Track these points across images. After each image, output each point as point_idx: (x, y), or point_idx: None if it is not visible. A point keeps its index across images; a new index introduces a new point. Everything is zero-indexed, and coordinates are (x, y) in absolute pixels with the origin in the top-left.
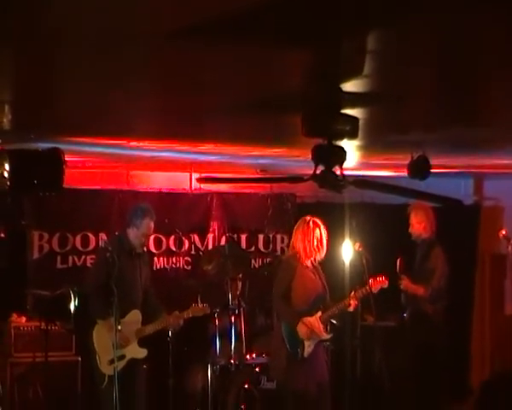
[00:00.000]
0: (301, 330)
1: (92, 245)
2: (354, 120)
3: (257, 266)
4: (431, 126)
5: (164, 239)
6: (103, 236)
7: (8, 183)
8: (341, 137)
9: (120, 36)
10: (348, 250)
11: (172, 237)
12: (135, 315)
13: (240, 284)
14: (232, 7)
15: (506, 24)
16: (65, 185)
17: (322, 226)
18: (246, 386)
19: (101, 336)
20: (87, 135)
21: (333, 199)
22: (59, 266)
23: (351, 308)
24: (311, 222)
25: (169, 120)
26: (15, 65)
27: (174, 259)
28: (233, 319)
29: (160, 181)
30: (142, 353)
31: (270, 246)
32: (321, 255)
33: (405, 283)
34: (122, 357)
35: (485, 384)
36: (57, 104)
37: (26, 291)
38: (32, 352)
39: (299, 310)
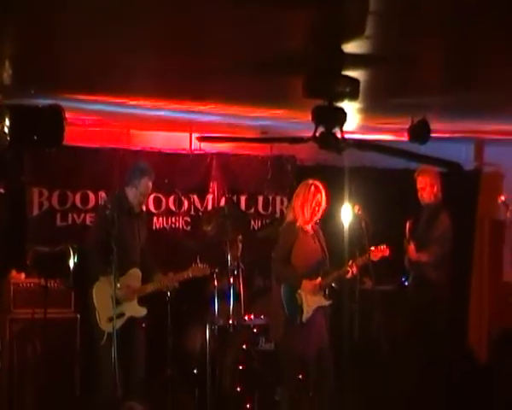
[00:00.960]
0: (301, 295)
1: (92, 203)
2: (355, 81)
3: (256, 227)
4: (432, 90)
5: (163, 199)
6: (103, 194)
7: (9, 138)
8: (342, 99)
9: None
10: (348, 213)
11: (172, 197)
12: (134, 273)
13: (239, 245)
14: None
15: None
16: (65, 143)
17: (323, 192)
18: (244, 347)
19: (101, 294)
20: (87, 92)
21: (333, 162)
22: (58, 223)
23: (349, 275)
24: (312, 187)
25: (169, 78)
26: (17, 20)
27: (173, 219)
28: (232, 279)
29: (159, 141)
30: (141, 311)
31: (270, 208)
32: (318, 217)
33: (411, 248)
34: (121, 315)
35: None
36: (58, 61)
37: (25, 248)
38: (31, 308)
39: (299, 273)
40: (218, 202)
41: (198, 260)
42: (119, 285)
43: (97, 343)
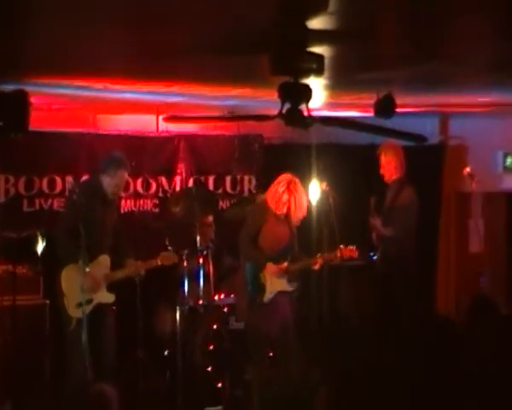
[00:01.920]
0: (264, 276)
1: (59, 188)
2: (320, 57)
3: (224, 207)
4: (397, 64)
5: (131, 181)
6: (70, 179)
7: None
8: (307, 75)
9: None
10: (315, 190)
11: (140, 180)
12: (104, 260)
13: (211, 226)
14: None
15: None
16: (31, 128)
17: (296, 194)
18: (214, 327)
19: (70, 279)
20: (52, 75)
21: (300, 140)
22: (25, 209)
23: (315, 267)
24: (284, 194)
25: (135, 59)
26: None
27: (141, 201)
28: (201, 260)
29: (126, 124)
30: (110, 298)
31: (238, 187)
32: (296, 217)
33: (374, 223)
34: (90, 301)
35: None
36: (20, 44)
37: None
38: None
39: (264, 256)
40: (186, 183)
41: (167, 242)
42: (87, 269)
43: (66, 329)
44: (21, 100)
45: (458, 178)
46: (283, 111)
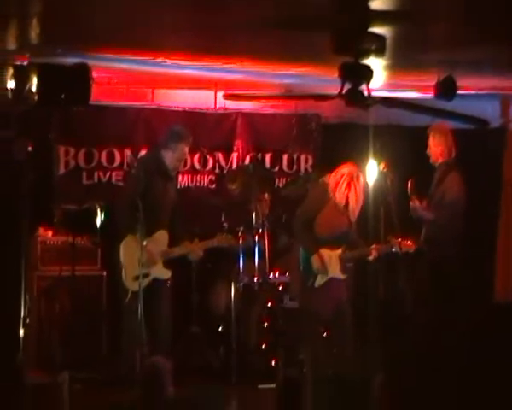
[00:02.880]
0: (315, 261)
1: (118, 161)
2: (381, 38)
3: (281, 185)
4: (459, 46)
5: (188, 157)
6: (128, 152)
7: (36, 97)
8: (368, 56)
9: None
10: (373, 171)
11: (197, 155)
12: (162, 235)
13: (267, 203)
14: None
15: None
16: (91, 101)
17: (356, 191)
18: (269, 304)
19: (128, 252)
20: (113, 49)
21: (358, 120)
22: (85, 181)
23: (370, 258)
24: (345, 186)
25: (195, 35)
26: None
27: (198, 177)
28: (257, 237)
29: (184, 99)
30: (166, 273)
31: (294, 166)
32: (353, 212)
33: (414, 206)
34: (146, 275)
35: None
36: (84, 18)
37: (52, 206)
38: (58, 266)
39: (320, 239)
40: (243, 160)
41: (223, 218)
42: (145, 243)
43: (122, 301)
44: (84, 73)
45: None
46: (344, 91)
